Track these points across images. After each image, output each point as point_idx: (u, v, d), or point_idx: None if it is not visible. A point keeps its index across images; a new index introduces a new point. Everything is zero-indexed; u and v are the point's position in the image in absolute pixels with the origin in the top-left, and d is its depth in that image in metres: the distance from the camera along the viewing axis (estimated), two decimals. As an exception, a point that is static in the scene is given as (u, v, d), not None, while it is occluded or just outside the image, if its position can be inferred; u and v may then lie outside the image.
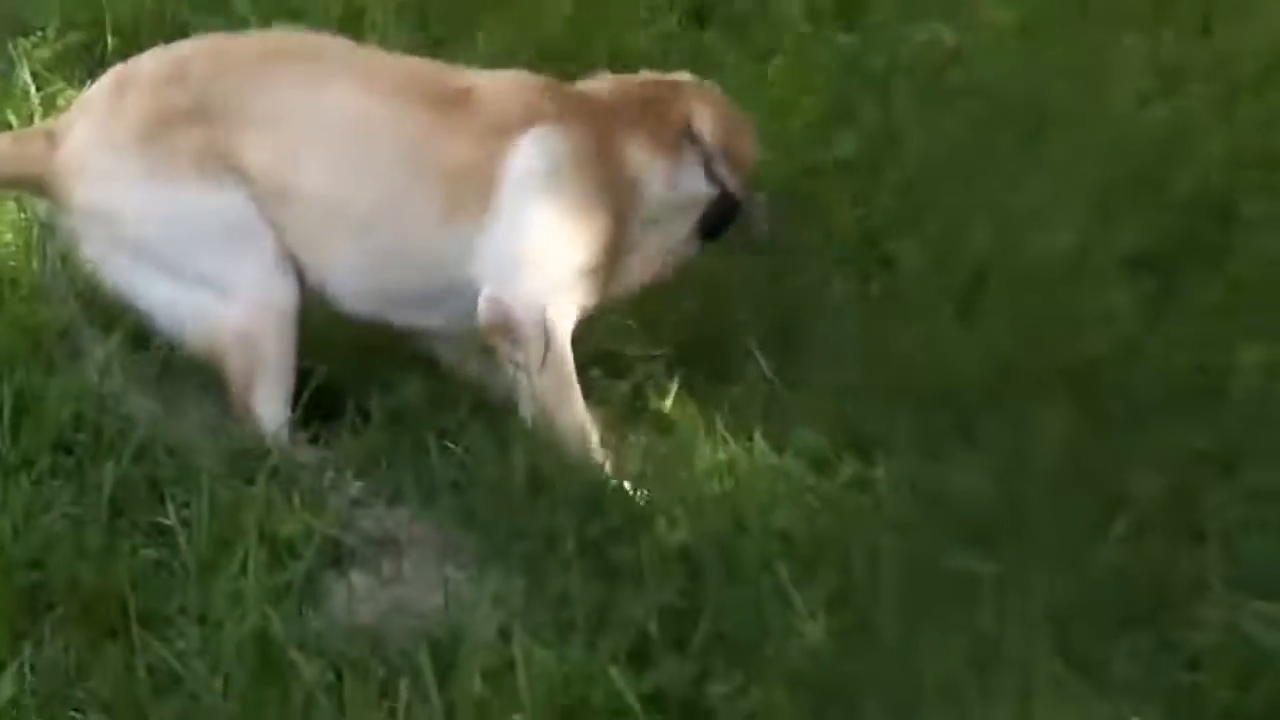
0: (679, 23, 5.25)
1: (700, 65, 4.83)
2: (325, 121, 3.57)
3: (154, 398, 3.62)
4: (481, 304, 3.46)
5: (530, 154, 3.48)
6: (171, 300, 3.56)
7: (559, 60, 4.92)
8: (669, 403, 3.59)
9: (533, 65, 4.81)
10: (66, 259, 3.86)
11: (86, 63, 4.77)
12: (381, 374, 3.61)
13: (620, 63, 4.80)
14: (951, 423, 3.43)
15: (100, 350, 3.65)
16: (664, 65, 4.78)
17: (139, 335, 3.65)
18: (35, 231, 3.96)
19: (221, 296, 3.52)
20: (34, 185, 3.69)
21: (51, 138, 3.60)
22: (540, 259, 3.47)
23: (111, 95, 3.60)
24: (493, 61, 4.84)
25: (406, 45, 4.87)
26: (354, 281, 3.57)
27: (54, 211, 3.76)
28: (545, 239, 3.47)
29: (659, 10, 5.22)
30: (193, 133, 3.50)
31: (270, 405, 3.53)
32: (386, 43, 4.86)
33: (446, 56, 4.83)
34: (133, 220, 3.55)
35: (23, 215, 4.04)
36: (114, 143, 3.54)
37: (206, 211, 3.52)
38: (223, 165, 3.49)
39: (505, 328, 3.45)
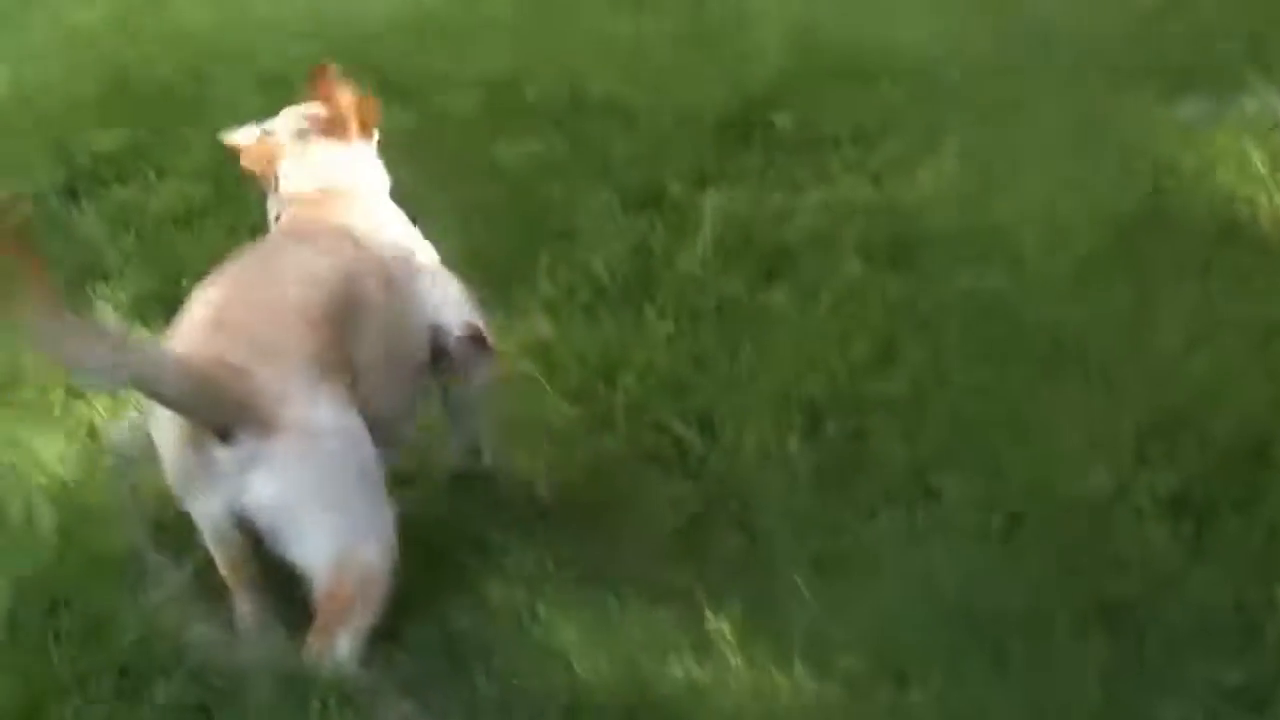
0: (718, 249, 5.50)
1: (747, 298, 5.11)
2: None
3: (215, 622, 3.77)
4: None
5: None
6: (321, 531, 3.47)
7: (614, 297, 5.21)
8: (709, 626, 3.68)
9: (591, 308, 5.12)
10: (136, 486, 4.10)
11: (161, 307, 5.02)
12: (426, 594, 3.77)
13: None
14: (989, 652, 3.52)
15: (167, 577, 3.84)
16: (715, 311, 5.07)
17: (205, 563, 3.79)
18: (108, 459, 4.19)
19: (364, 534, 3.53)
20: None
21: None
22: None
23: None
24: (553, 306, 5.13)
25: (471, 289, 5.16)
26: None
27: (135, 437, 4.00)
28: None
29: (722, 258, 5.45)
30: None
31: (357, 641, 3.50)
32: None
33: (507, 299, 5.14)
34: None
35: (93, 443, 4.27)
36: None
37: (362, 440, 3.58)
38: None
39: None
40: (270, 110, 6.28)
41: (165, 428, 3.46)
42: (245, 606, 3.63)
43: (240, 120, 5.76)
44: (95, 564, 3.88)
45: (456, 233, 5.48)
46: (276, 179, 4.19)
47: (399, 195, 4.93)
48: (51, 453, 4.31)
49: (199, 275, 4.92)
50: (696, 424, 4.48)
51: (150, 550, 3.97)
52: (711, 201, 5.79)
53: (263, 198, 4.35)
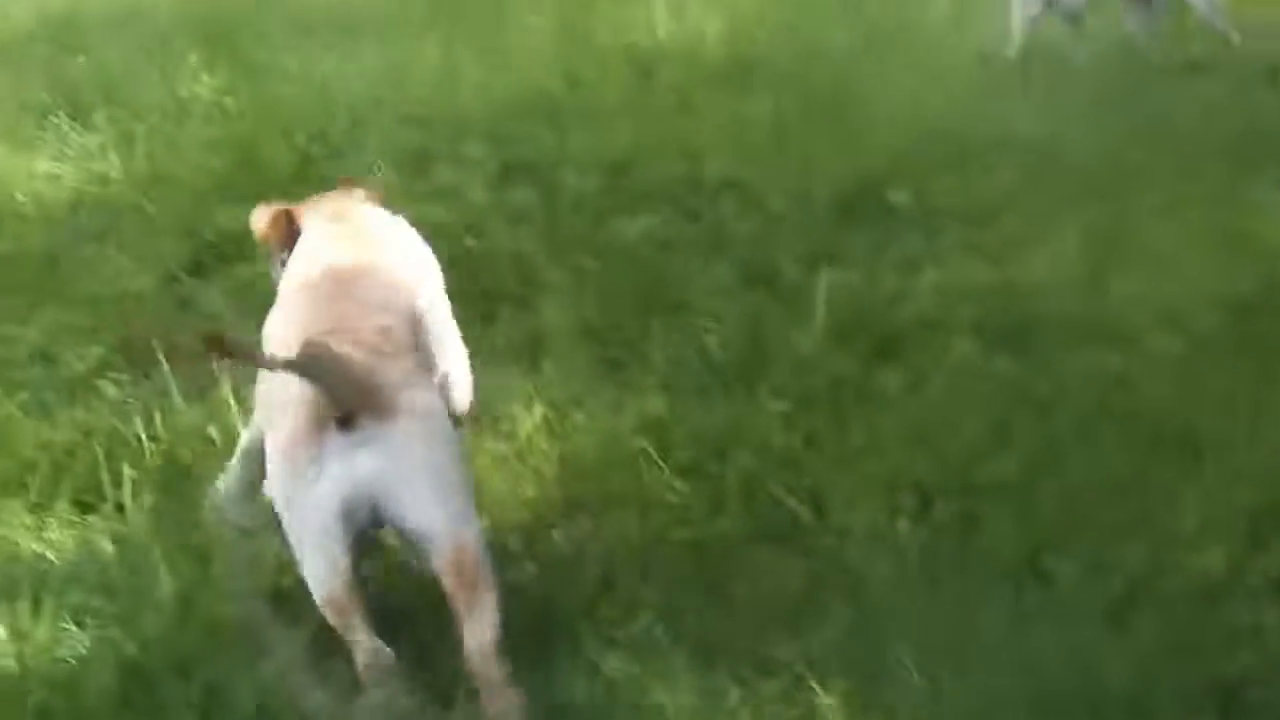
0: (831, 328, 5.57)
1: (859, 378, 5.16)
2: None
3: (331, 689, 3.87)
4: None
5: None
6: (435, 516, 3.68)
7: (727, 374, 5.29)
8: (817, 702, 3.73)
9: (704, 384, 5.20)
10: (254, 559, 4.22)
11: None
12: (539, 664, 3.85)
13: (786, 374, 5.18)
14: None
15: (284, 646, 3.95)
16: (828, 390, 5.13)
17: (320, 631, 3.88)
18: (226, 532, 4.31)
19: (467, 512, 3.75)
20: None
21: None
22: None
23: None
24: (667, 382, 5.21)
25: (585, 366, 5.27)
26: None
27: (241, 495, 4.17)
28: None
29: (835, 337, 5.52)
30: None
31: (498, 619, 3.66)
32: (565, 365, 5.24)
33: (622, 377, 5.23)
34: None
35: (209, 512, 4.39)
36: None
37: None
38: None
39: None
40: (401, 187, 6.51)
41: (279, 430, 3.73)
42: (358, 641, 3.70)
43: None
44: (214, 631, 3.99)
45: (573, 307, 5.63)
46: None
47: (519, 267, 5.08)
48: (170, 520, 4.44)
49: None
50: (807, 501, 4.53)
51: (266, 619, 4.08)
52: (825, 280, 5.86)
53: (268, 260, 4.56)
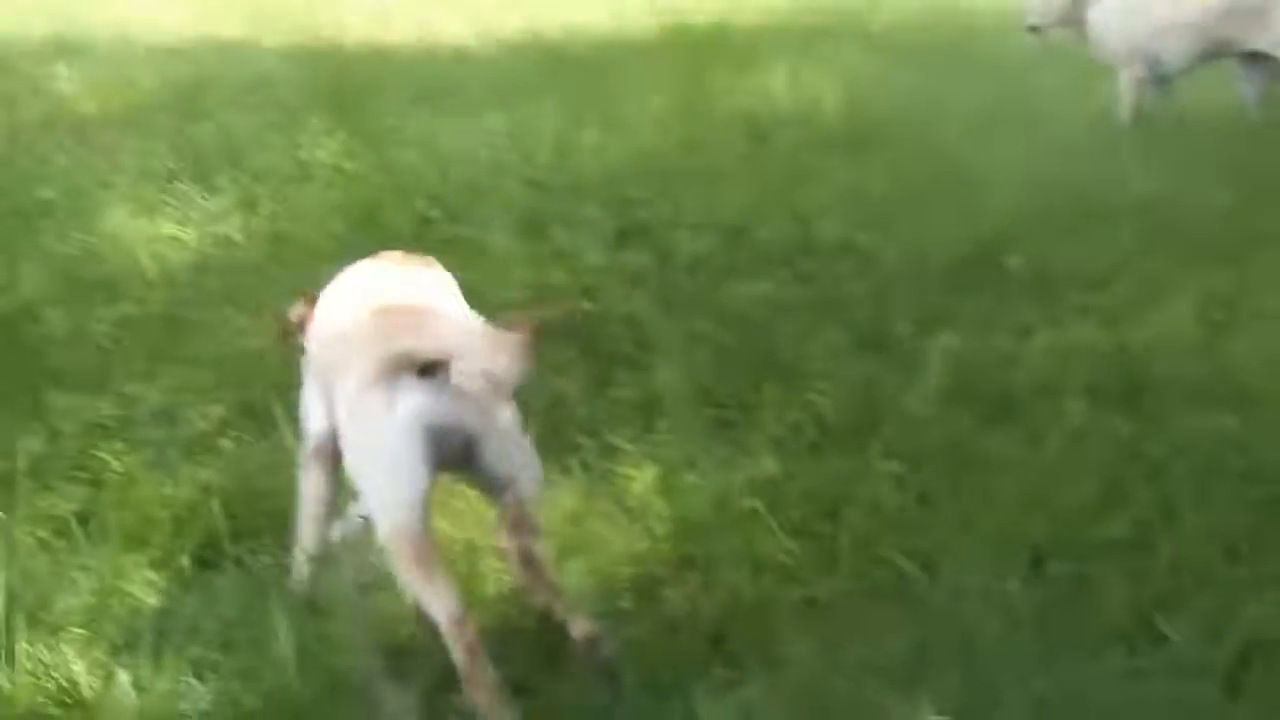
0: (945, 390, 5.60)
1: (972, 439, 5.17)
2: None
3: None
4: None
5: None
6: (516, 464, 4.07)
7: (840, 434, 5.32)
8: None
9: (817, 445, 5.24)
10: (368, 611, 4.30)
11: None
12: None
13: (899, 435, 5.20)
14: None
15: (401, 700, 4.02)
16: (940, 452, 5.15)
17: (438, 685, 3.99)
18: (346, 589, 4.39)
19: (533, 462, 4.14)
20: None
21: None
22: None
23: None
24: (780, 442, 5.25)
25: (698, 426, 5.32)
26: None
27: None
28: None
29: (949, 399, 5.54)
30: None
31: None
32: (679, 425, 5.30)
33: (734, 437, 5.28)
34: None
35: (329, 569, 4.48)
36: None
37: None
38: None
39: None
40: (523, 252, 6.61)
41: (349, 375, 3.99)
42: (433, 589, 3.87)
43: (491, 259, 6.12)
44: (332, 685, 4.06)
45: (687, 369, 5.68)
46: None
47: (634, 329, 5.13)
48: (289, 575, 4.52)
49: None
50: (919, 561, 4.54)
51: (384, 673, 4.15)
52: (939, 343, 5.89)
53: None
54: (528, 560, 4.11)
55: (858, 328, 6.15)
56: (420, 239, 7.21)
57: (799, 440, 5.30)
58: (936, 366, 5.71)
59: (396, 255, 4.75)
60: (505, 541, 4.16)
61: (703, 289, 6.59)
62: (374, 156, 8.48)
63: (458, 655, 3.86)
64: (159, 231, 7.39)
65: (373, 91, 10.03)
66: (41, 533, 4.69)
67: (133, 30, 12.16)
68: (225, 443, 5.26)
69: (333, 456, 4.28)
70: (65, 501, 4.87)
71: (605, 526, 4.75)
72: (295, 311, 4.75)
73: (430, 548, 3.90)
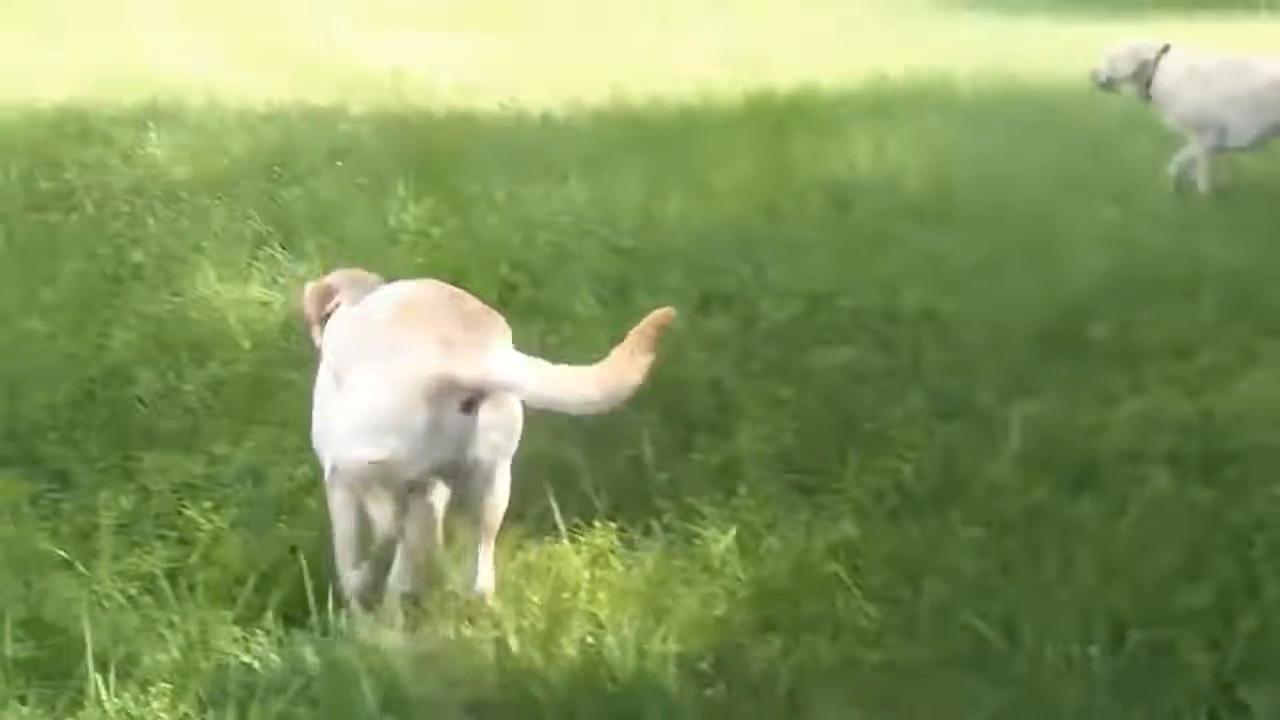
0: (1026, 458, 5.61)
1: (1053, 507, 5.19)
2: None
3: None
4: None
5: None
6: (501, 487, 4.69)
7: (921, 500, 5.35)
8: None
9: (897, 511, 5.26)
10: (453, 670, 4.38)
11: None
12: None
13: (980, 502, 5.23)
14: None
15: None
16: (1021, 519, 5.17)
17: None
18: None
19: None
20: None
21: None
22: None
23: None
24: (860, 508, 5.28)
25: (779, 491, 5.37)
26: None
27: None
28: None
29: (1030, 466, 5.56)
30: None
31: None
32: (760, 489, 5.35)
33: (815, 502, 5.31)
34: None
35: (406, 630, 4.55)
36: None
37: None
38: None
39: None
40: (606, 317, 6.69)
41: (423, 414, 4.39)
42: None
43: (574, 324, 6.21)
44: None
45: (769, 435, 5.73)
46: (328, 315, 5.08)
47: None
48: (373, 634, 4.59)
49: (518, 470, 5.29)
50: (1000, 628, 4.55)
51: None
52: (1021, 410, 5.91)
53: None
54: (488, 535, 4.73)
55: (939, 394, 6.19)
56: (505, 303, 7.32)
57: (880, 505, 5.33)
58: (1018, 434, 5.72)
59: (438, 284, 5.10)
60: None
61: (785, 355, 6.64)
62: (460, 222, 8.61)
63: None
64: (248, 295, 7.51)
65: (459, 158, 10.17)
66: (131, 589, 4.77)
67: (223, 97, 12.38)
68: (311, 502, 5.33)
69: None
70: (154, 559, 4.95)
71: (686, 589, 4.78)
72: (310, 299, 5.21)
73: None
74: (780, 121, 11.61)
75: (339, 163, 10.12)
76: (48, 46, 15.81)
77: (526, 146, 10.68)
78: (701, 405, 6.19)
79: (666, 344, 6.61)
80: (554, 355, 6.27)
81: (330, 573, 4.68)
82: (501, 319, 4.81)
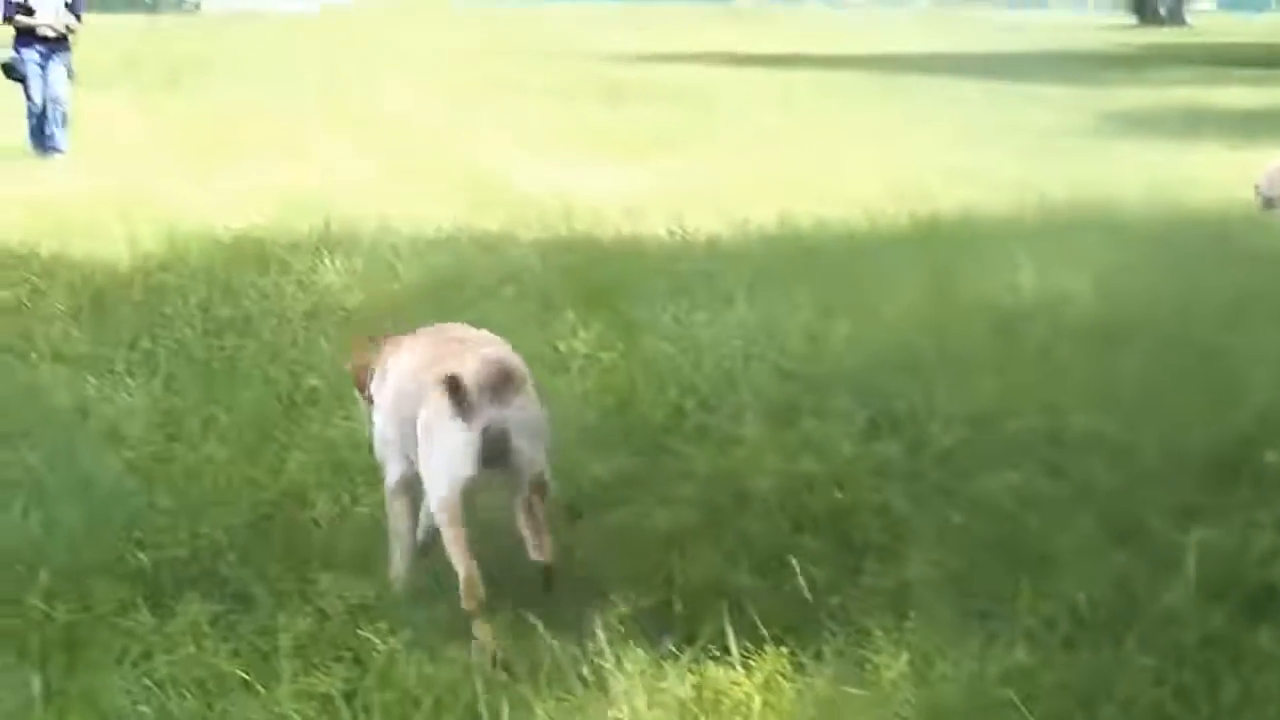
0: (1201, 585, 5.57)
1: (1231, 635, 5.13)
2: None
3: None
4: None
5: None
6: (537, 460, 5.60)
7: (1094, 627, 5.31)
8: None
9: (1071, 638, 5.23)
10: None
11: (654, 622, 5.40)
12: None
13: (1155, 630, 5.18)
14: None
15: None
16: (1198, 647, 5.12)
17: None
18: None
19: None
20: None
21: None
22: None
23: None
24: (1032, 634, 5.26)
25: (950, 616, 5.37)
26: None
27: None
28: None
29: (1206, 594, 5.50)
30: None
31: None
32: (930, 614, 5.35)
33: (987, 627, 5.30)
34: None
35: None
36: None
37: None
38: None
39: None
40: (774, 441, 6.76)
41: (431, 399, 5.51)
42: (460, 554, 5.42)
43: (743, 448, 6.29)
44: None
45: (939, 559, 5.74)
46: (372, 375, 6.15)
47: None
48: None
49: (689, 594, 5.36)
50: (1176, 757, 4.51)
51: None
52: (1195, 536, 5.86)
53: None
54: (535, 517, 5.56)
55: (1111, 520, 6.15)
56: (673, 428, 7.43)
57: (1053, 632, 5.30)
58: (1193, 560, 5.68)
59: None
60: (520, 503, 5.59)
61: (953, 479, 6.65)
62: (628, 346, 8.72)
63: (465, 603, 5.34)
64: (419, 419, 7.65)
65: (627, 283, 10.30)
66: (309, 710, 4.90)
67: (395, 224, 12.65)
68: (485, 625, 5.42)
69: (413, 490, 5.79)
70: (331, 680, 5.07)
71: (857, 713, 4.80)
72: (357, 359, 6.21)
73: (461, 519, 5.45)
74: (944, 245, 11.66)
75: (509, 288, 10.28)
76: (226, 173, 16.28)
77: (693, 270, 10.78)
78: (871, 530, 6.22)
79: (835, 467, 6.75)
80: (724, 481, 6.41)
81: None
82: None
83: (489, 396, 5.44)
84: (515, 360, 5.74)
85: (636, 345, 8.78)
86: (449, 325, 6.26)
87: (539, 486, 5.59)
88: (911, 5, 76.12)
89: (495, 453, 5.45)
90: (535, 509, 5.59)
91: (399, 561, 5.85)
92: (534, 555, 5.56)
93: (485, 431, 5.42)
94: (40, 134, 18.24)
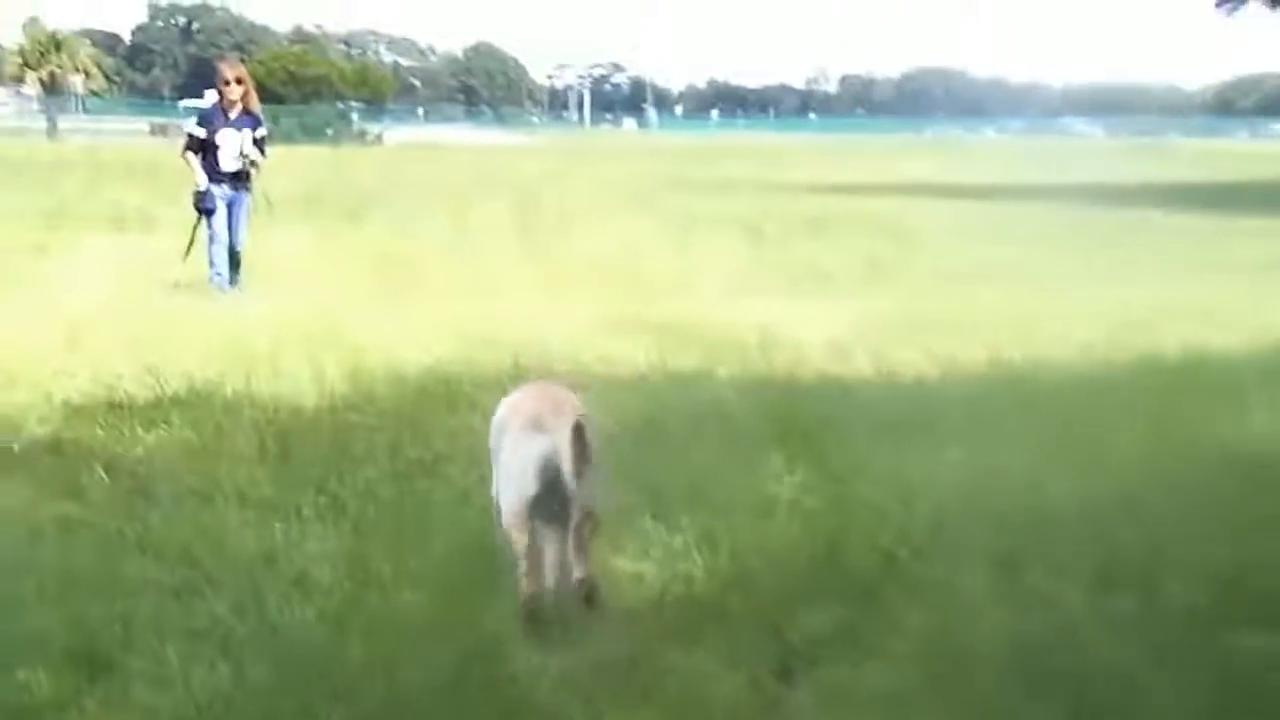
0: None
1: None
2: None
3: None
4: None
5: None
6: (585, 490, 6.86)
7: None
8: None
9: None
10: None
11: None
12: None
13: None
14: None
15: None
16: None
17: None
18: None
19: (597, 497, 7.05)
20: None
21: None
22: None
23: None
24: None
25: None
26: None
27: None
28: None
29: None
30: None
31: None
32: None
33: None
34: None
35: None
36: None
37: None
38: None
39: None
40: (995, 594, 6.62)
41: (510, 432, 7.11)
42: (523, 562, 6.86)
43: (961, 600, 6.16)
44: None
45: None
46: None
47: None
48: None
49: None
50: None
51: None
52: None
53: None
54: (578, 538, 6.80)
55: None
56: (885, 578, 7.29)
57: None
58: None
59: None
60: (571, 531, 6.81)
61: (1194, 639, 6.44)
62: (835, 491, 8.62)
63: (523, 598, 6.77)
64: (618, 568, 7.61)
65: (832, 424, 10.21)
66: None
67: (587, 360, 12.70)
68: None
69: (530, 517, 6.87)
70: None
71: None
72: None
73: (526, 531, 6.82)
74: (1171, 386, 11.43)
75: (708, 428, 10.23)
76: (412, 308, 16.49)
77: (901, 411, 10.68)
78: (1102, 694, 6.03)
79: (1063, 625, 6.57)
80: (942, 636, 6.27)
81: None
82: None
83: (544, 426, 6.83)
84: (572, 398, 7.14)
85: (845, 489, 8.67)
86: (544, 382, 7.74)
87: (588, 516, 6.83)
88: (1082, 135, 75.92)
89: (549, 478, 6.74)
90: (581, 534, 6.81)
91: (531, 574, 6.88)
92: (576, 574, 6.80)
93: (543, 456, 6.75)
94: (221, 269, 18.68)
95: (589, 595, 6.78)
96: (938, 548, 7.64)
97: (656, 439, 9.92)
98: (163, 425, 10.45)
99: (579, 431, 6.68)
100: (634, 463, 9.39)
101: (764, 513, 8.35)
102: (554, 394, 7.17)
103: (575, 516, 6.74)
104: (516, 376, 11.45)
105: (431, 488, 9.04)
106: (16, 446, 9.85)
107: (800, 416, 10.46)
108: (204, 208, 18.66)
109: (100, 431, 10.29)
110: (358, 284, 19.21)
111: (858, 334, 14.34)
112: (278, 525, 8.22)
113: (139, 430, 10.29)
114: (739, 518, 8.22)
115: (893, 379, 12.14)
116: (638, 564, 7.72)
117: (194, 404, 11.11)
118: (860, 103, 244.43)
